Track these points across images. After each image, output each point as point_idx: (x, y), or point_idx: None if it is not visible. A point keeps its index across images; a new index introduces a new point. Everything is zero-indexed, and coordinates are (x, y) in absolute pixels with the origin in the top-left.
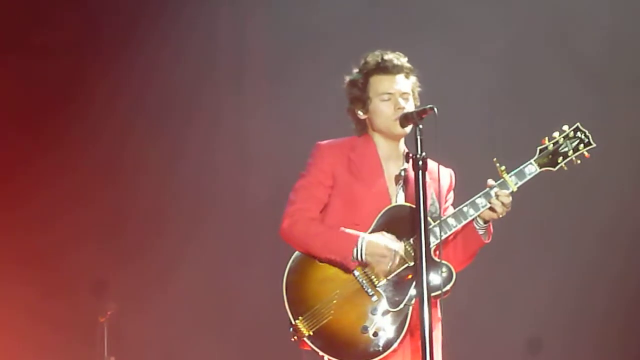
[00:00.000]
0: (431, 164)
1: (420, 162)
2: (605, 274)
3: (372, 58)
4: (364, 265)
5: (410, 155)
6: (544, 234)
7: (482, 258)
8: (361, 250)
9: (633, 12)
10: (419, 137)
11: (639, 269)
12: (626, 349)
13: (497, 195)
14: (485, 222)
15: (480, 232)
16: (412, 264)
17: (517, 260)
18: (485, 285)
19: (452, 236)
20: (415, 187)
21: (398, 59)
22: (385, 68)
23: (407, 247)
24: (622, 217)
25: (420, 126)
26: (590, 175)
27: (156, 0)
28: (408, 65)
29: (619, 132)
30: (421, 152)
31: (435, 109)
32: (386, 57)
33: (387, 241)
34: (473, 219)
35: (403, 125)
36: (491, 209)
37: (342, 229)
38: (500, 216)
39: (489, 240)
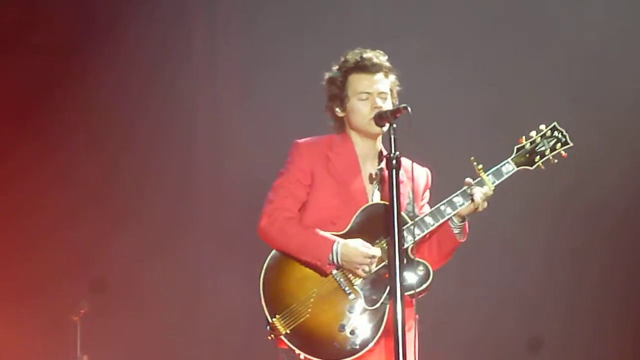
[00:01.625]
0: (406, 163)
1: (394, 161)
2: (604, 274)
3: (352, 56)
4: (340, 267)
5: (384, 154)
6: (542, 233)
7: (480, 257)
8: (337, 255)
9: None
10: (392, 136)
11: (636, 267)
12: (624, 348)
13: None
14: (462, 220)
15: (456, 231)
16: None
17: (515, 260)
18: (484, 286)
19: (427, 235)
20: (389, 185)
21: (377, 57)
22: (364, 67)
23: (384, 245)
24: (619, 217)
25: (395, 125)
26: (589, 175)
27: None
28: (387, 64)
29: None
30: (395, 150)
31: (409, 108)
32: (365, 55)
33: (362, 247)
34: (449, 218)
35: (378, 124)
36: (471, 199)
37: (318, 231)
38: (480, 209)
39: (464, 240)
